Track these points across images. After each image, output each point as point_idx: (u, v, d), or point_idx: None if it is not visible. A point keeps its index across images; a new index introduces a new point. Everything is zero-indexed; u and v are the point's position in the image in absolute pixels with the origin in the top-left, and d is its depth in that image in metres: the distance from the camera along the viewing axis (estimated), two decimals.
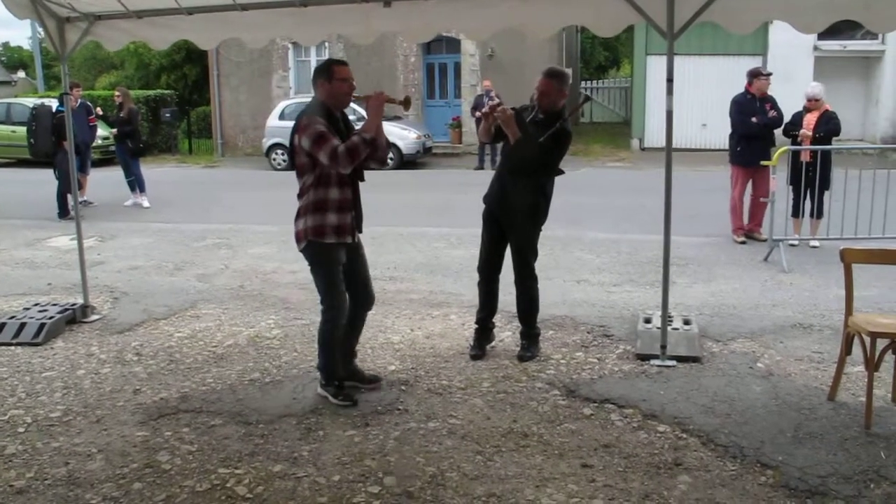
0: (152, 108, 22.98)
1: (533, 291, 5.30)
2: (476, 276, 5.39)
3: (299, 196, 4.45)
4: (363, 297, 4.72)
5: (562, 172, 5.13)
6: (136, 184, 12.80)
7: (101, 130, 14.99)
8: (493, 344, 5.47)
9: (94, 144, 13.65)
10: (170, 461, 3.94)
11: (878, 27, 4.82)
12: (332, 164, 4.20)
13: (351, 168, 4.25)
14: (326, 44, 21.46)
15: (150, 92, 24.21)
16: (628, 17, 5.13)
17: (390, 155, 17.46)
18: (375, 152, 4.41)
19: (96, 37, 6.14)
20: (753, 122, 8.84)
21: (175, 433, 4.27)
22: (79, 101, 12.04)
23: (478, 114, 17.48)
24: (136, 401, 4.73)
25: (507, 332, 5.73)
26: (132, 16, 5.92)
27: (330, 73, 4.38)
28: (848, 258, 4.44)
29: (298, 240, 4.48)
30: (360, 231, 4.61)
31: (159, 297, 7.04)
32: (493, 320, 5.45)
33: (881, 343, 4.21)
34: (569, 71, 5.33)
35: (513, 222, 5.15)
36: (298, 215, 4.45)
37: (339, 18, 5.67)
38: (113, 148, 14.88)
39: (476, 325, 5.42)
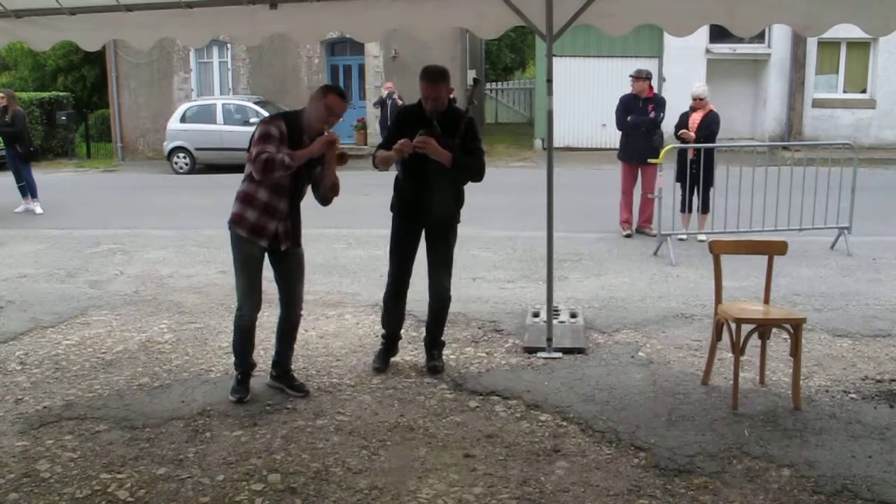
0: (47, 111, 22.12)
1: (450, 299, 5.17)
2: (375, 277, 5.26)
3: (242, 181, 4.54)
4: (286, 299, 4.73)
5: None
6: (27, 189, 12.36)
7: None
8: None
9: None
10: (50, 469, 3.88)
11: (741, 31, 5.09)
12: (250, 163, 4.29)
13: (261, 176, 4.30)
14: (228, 45, 21.16)
15: (45, 94, 23.29)
16: (509, 19, 5.30)
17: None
18: (315, 187, 4.58)
19: None
20: (627, 120, 9.26)
21: (57, 441, 4.20)
22: None
23: (377, 110, 17.65)
24: (18, 410, 4.62)
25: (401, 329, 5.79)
26: (10, 15, 5.74)
27: (324, 97, 4.39)
28: (716, 249, 4.70)
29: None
30: (297, 245, 4.64)
31: (48, 305, 6.85)
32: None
33: (746, 328, 4.47)
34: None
35: (444, 223, 4.97)
36: (235, 197, 4.55)
37: (225, 20, 5.67)
38: (3, 153, 14.32)
39: (385, 339, 5.20)
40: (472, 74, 23.19)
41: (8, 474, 3.83)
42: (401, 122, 4.93)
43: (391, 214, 5.06)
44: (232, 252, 4.57)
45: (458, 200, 5.00)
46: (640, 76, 9.46)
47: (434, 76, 4.76)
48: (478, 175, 4.87)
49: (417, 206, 4.89)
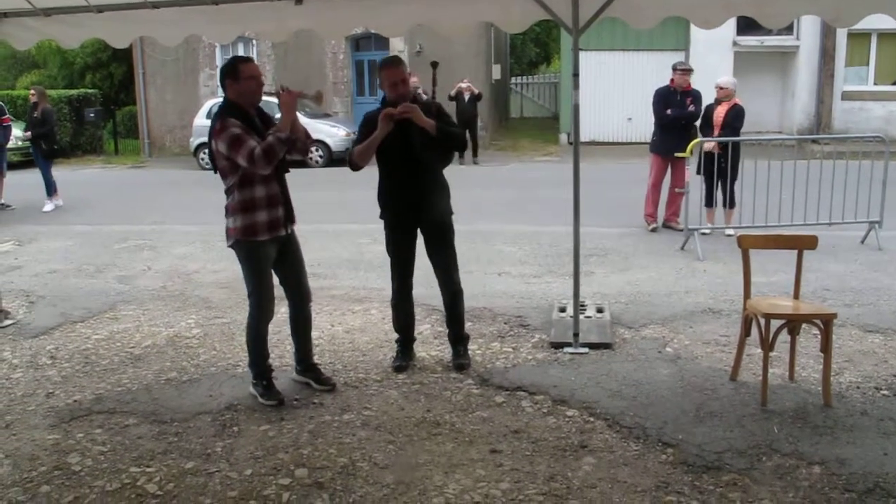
0: (76, 108, 22.34)
1: (462, 292, 5.14)
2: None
3: (226, 193, 4.46)
4: (297, 295, 4.74)
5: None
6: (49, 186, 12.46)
7: (17, 131, 14.53)
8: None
9: (13, 146, 13.23)
10: (80, 462, 3.92)
11: (770, 23, 5.03)
12: (251, 166, 4.22)
13: (270, 168, 4.27)
14: (254, 41, 21.26)
15: (74, 91, 23.51)
16: (535, 13, 5.26)
17: (319, 153, 17.71)
18: (294, 146, 4.44)
19: (3, 35, 6.01)
20: (667, 114, 9.14)
21: (87, 435, 4.25)
22: None
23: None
24: (49, 404, 4.68)
25: (425, 324, 5.80)
26: (39, 13, 5.81)
27: (237, 73, 4.36)
28: (745, 244, 4.65)
29: (228, 236, 4.50)
30: (293, 222, 4.61)
31: (77, 300, 6.93)
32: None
33: (776, 324, 4.42)
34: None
35: (440, 223, 4.94)
36: (227, 213, 4.46)
37: (251, 16, 5.67)
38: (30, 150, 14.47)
39: (399, 342, 5.18)
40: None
41: (40, 467, 3.89)
42: (369, 123, 4.82)
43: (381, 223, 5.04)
44: (246, 265, 4.48)
45: (444, 194, 4.97)
46: (688, 70, 9.37)
47: (393, 61, 4.87)
48: (459, 143, 5.00)
49: (405, 208, 4.88)
